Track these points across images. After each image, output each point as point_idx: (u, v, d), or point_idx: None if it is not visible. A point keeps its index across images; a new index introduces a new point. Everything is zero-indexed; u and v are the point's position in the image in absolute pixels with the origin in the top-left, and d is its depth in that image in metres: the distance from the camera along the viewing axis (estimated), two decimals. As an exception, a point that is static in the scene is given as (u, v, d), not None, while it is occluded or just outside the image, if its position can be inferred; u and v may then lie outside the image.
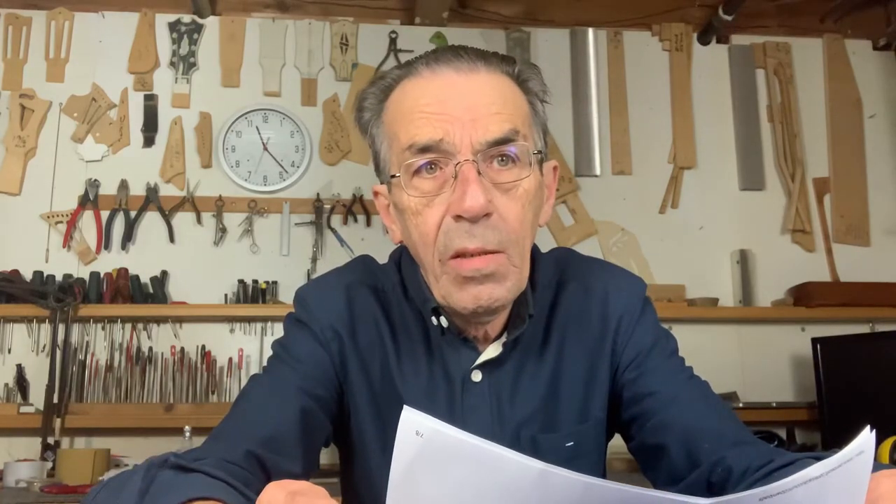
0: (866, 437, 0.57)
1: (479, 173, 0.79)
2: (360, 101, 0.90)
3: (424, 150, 0.80)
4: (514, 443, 0.90)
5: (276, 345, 0.93)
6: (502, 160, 0.81)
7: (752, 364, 2.81)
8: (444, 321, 0.89)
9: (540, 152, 0.85)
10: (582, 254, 1.02)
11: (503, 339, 0.90)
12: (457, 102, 0.80)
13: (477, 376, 0.90)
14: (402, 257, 0.96)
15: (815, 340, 2.58)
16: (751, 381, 2.78)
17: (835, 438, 2.38)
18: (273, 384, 0.87)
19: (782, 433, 2.61)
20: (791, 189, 2.95)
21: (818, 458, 0.73)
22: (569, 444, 0.91)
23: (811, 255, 2.93)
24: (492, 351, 0.90)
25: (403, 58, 2.85)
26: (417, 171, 0.81)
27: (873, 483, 0.61)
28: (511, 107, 0.82)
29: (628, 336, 0.94)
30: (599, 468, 0.97)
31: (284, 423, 0.82)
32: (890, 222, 3.00)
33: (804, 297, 2.75)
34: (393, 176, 0.83)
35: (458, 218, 0.79)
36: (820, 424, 2.55)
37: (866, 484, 0.59)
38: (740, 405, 2.60)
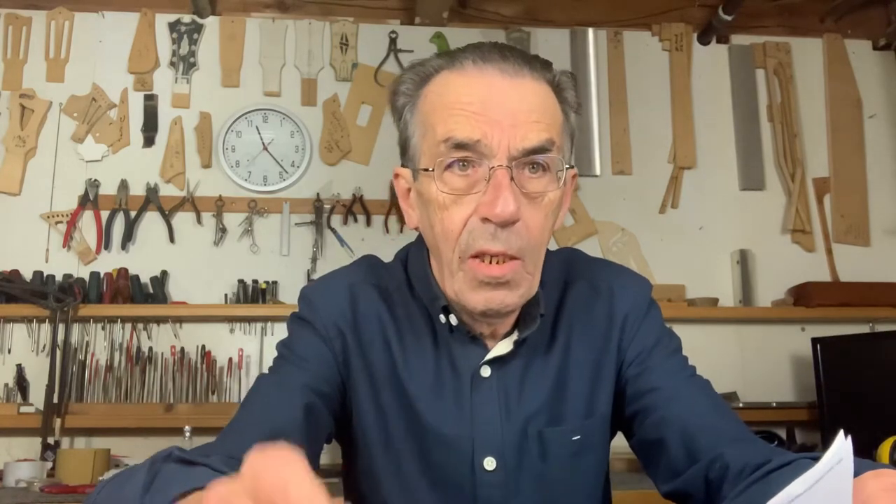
0: (842, 443, 0.58)
1: (511, 179, 0.79)
2: (397, 84, 0.90)
3: (460, 146, 0.80)
4: (522, 437, 0.91)
5: (280, 345, 0.94)
6: (534, 168, 0.82)
7: (752, 364, 2.82)
8: (453, 319, 0.90)
9: (571, 167, 0.86)
10: (587, 254, 1.04)
11: (514, 336, 0.91)
12: (499, 105, 0.80)
13: (486, 371, 0.91)
14: (409, 256, 0.97)
15: (815, 340, 2.58)
16: (751, 381, 2.78)
17: (834, 439, 2.37)
18: (278, 383, 0.88)
19: (782, 433, 2.61)
20: (791, 189, 2.95)
21: (816, 459, 0.73)
22: (575, 437, 0.92)
23: (811, 255, 2.93)
24: (502, 348, 0.91)
25: (403, 58, 2.86)
26: (449, 166, 0.81)
27: (859, 485, 0.61)
28: (549, 117, 0.83)
29: (633, 333, 0.95)
30: (604, 464, 0.98)
31: (289, 420, 0.83)
32: (890, 222, 3.00)
33: (804, 297, 2.75)
34: (424, 169, 0.83)
35: (486, 220, 0.80)
36: (820, 424, 2.55)
37: (850, 490, 0.59)
38: (740, 405, 2.60)
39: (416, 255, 0.95)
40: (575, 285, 0.98)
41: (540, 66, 0.85)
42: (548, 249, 0.99)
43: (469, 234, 0.81)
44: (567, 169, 0.85)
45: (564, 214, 0.91)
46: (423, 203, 0.86)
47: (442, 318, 0.90)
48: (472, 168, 0.81)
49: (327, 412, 0.88)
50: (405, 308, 0.94)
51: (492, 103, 0.80)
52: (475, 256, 0.82)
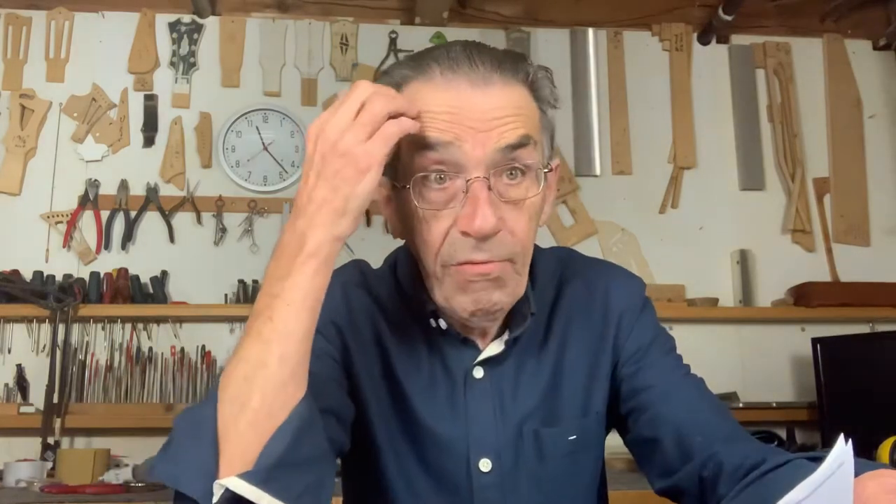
0: (842, 448, 0.58)
1: (489, 189, 0.78)
2: None
3: (431, 147, 0.79)
4: (518, 437, 0.91)
5: None
6: (512, 174, 0.81)
7: (752, 364, 2.81)
8: (442, 323, 0.90)
9: (550, 169, 0.85)
10: (582, 253, 1.04)
11: (505, 336, 0.91)
12: (469, 114, 0.79)
13: (479, 373, 0.92)
14: (398, 261, 0.97)
15: (815, 340, 2.57)
16: (751, 381, 2.78)
17: (834, 439, 2.37)
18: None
19: (782, 433, 2.61)
20: (791, 189, 2.95)
21: (811, 459, 0.73)
22: (571, 437, 0.92)
23: (811, 255, 2.93)
24: (494, 348, 0.91)
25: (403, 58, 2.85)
26: (426, 179, 0.80)
27: (859, 487, 0.61)
28: (524, 116, 0.82)
29: (629, 332, 0.96)
30: (599, 463, 0.98)
31: (337, 407, 0.85)
32: (890, 222, 3.00)
33: (804, 297, 2.75)
34: (403, 186, 0.82)
35: (466, 234, 0.79)
36: (820, 424, 2.55)
37: (850, 494, 0.59)
38: (740, 405, 2.60)
39: (404, 259, 0.94)
40: (570, 285, 0.98)
41: (511, 67, 0.82)
42: (542, 248, 0.99)
43: (450, 246, 0.80)
44: (547, 171, 0.84)
45: (551, 208, 0.90)
46: (403, 215, 0.86)
47: (432, 321, 0.90)
48: (448, 181, 0.80)
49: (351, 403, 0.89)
50: (396, 312, 0.94)
51: (462, 113, 0.79)
52: (460, 264, 0.81)
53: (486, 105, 0.79)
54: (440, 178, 0.80)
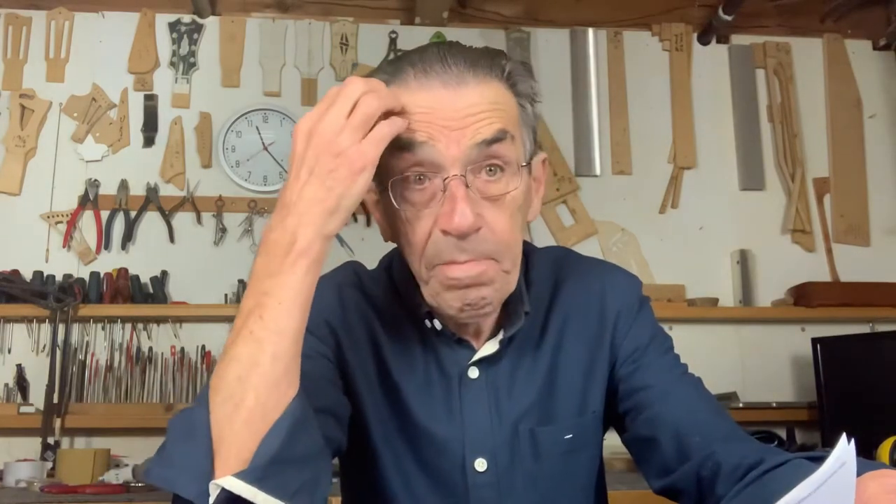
0: (845, 448, 0.58)
1: (466, 186, 0.78)
2: None
3: (407, 147, 0.79)
4: (513, 436, 0.91)
5: None
6: (491, 170, 0.80)
7: (752, 364, 2.81)
8: (437, 324, 0.90)
9: (528, 164, 0.85)
10: (578, 253, 1.04)
11: (499, 336, 0.91)
12: (442, 113, 0.79)
13: (474, 373, 0.92)
14: (393, 263, 0.97)
15: (815, 340, 2.57)
16: (751, 381, 2.78)
17: (835, 439, 2.37)
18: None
19: (782, 433, 2.61)
20: (791, 189, 2.95)
21: (810, 459, 0.73)
22: (568, 436, 0.93)
23: (811, 255, 2.93)
24: (489, 348, 0.91)
25: (403, 58, 2.85)
26: (405, 181, 0.81)
27: (860, 487, 0.61)
28: (500, 112, 0.81)
29: (626, 331, 0.96)
30: (597, 461, 0.98)
31: (333, 406, 0.85)
32: (890, 222, 3.00)
33: (804, 297, 2.75)
34: (383, 188, 0.83)
35: (446, 233, 0.79)
36: (820, 424, 2.55)
37: (853, 493, 0.59)
38: (740, 405, 2.60)
39: (399, 260, 0.94)
40: (566, 284, 0.97)
41: (486, 65, 0.82)
42: (538, 248, 0.99)
43: (433, 246, 0.80)
44: (526, 166, 0.84)
45: (540, 203, 0.90)
46: (388, 217, 0.86)
47: (427, 322, 0.90)
48: (427, 181, 0.80)
49: (347, 401, 0.89)
50: (391, 313, 0.94)
51: (435, 112, 0.79)
52: (444, 264, 0.81)
53: (460, 103, 0.80)
54: (419, 178, 0.80)
